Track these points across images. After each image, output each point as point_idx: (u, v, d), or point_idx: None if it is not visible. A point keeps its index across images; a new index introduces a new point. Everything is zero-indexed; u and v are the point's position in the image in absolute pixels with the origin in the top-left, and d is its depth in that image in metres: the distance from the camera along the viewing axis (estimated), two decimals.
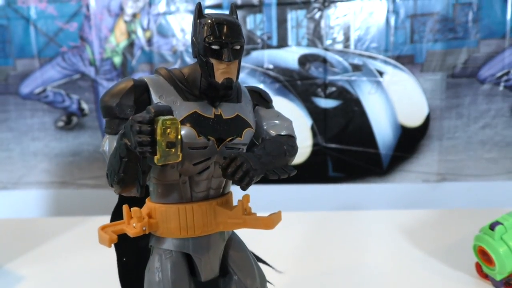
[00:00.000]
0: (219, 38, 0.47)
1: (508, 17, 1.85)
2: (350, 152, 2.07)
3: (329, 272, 0.96)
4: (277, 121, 0.55)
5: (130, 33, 1.98)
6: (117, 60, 2.00)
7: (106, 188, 2.06)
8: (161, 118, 0.40)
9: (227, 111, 0.51)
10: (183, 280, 0.51)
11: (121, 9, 1.96)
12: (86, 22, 1.96)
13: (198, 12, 0.49)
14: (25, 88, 2.01)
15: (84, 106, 2.02)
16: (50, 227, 1.40)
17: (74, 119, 2.02)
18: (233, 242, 0.56)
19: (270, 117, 0.56)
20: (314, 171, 2.07)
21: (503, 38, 1.87)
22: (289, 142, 0.52)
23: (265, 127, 0.55)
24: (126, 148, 0.42)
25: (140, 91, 0.49)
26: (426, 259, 1.01)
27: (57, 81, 2.01)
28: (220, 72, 0.48)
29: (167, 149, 0.41)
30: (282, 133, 0.54)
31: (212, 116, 0.50)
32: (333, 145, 2.07)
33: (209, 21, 0.47)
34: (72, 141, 2.01)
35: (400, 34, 1.94)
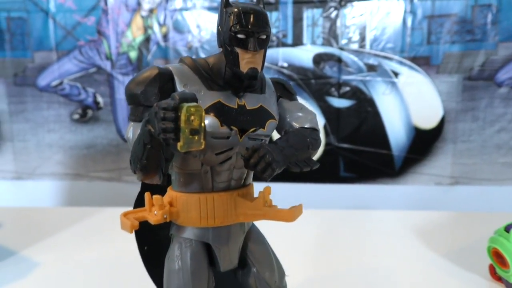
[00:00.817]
0: (245, 27, 0.47)
1: None
2: (362, 153, 2.06)
3: (340, 271, 0.96)
4: (300, 114, 0.55)
5: (146, 28, 2.00)
6: (133, 54, 2.01)
7: (119, 181, 2.08)
8: (186, 105, 0.40)
9: (250, 101, 0.51)
10: (202, 269, 0.51)
11: (138, 4, 1.98)
12: (103, 17, 1.98)
13: (225, 1, 0.49)
14: (42, 81, 2.03)
15: (100, 99, 2.04)
16: (65, 217, 1.42)
17: (89, 112, 2.04)
18: (253, 234, 0.56)
19: (293, 109, 0.55)
20: (326, 171, 2.07)
21: None
22: (312, 135, 0.52)
23: (288, 119, 0.55)
24: (150, 135, 0.42)
25: (165, 80, 0.49)
26: (439, 260, 1.00)
27: (74, 74, 2.03)
28: (245, 61, 0.48)
29: (191, 136, 0.40)
30: (306, 126, 0.54)
31: (236, 106, 0.50)
32: (345, 145, 2.06)
33: (236, 10, 0.47)
34: (87, 134, 2.04)
35: (416, 35, 1.92)
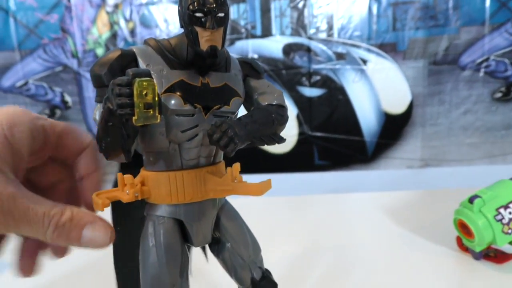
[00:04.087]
0: (202, 6, 0.47)
1: (487, 4, 1.88)
2: (335, 140, 2.09)
3: (317, 248, 0.97)
4: (267, 92, 0.56)
5: (112, 24, 1.96)
6: (100, 51, 1.97)
7: None
8: (138, 79, 0.41)
9: (215, 80, 0.52)
10: (176, 244, 0.52)
11: None
12: (67, 13, 1.93)
13: None
14: (6, 82, 1.97)
15: (68, 98, 1.99)
16: None
17: (58, 112, 1.99)
18: (226, 211, 0.57)
19: (260, 87, 0.56)
20: (301, 160, 2.09)
21: (483, 25, 1.91)
22: (278, 111, 0.53)
23: (255, 97, 0.56)
24: (110, 112, 0.43)
25: (128, 60, 0.50)
26: (410, 236, 1.03)
27: (39, 74, 1.98)
28: (205, 39, 0.49)
29: (145, 110, 0.42)
30: (273, 103, 0.55)
31: (199, 85, 0.50)
32: (318, 134, 2.09)
33: None
34: None
35: (382, 22, 1.96)
